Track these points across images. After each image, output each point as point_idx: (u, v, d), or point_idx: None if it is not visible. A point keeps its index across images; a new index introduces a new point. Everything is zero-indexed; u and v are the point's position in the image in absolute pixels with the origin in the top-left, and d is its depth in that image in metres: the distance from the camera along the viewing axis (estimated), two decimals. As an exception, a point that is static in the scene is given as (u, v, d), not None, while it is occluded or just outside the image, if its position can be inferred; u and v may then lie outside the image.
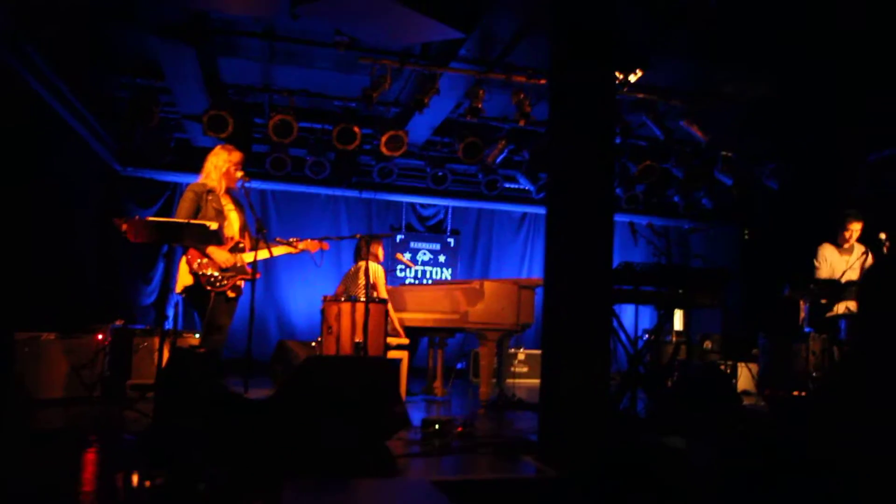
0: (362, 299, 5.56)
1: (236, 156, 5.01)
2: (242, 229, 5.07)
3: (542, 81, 7.00)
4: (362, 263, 6.40)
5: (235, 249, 4.92)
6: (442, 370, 6.97)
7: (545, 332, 3.97)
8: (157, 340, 5.93)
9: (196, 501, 2.11)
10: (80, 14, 6.04)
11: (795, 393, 5.86)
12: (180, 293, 4.87)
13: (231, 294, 4.89)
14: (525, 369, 8.95)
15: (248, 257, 4.99)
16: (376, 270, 6.38)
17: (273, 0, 5.27)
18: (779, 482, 2.85)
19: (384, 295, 6.32)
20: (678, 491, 2.97)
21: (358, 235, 5.95)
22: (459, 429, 4.34)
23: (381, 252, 6.71)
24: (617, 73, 6.22)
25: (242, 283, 4.99)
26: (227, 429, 3.13)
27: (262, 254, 4.95)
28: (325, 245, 5.44)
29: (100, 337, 5.77)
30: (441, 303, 6.47)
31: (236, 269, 4.88)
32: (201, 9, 5.79)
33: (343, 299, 5.65)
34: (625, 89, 6.78)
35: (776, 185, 8.89)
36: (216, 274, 4.77)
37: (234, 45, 6.80)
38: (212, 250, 4.76)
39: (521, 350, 9.06)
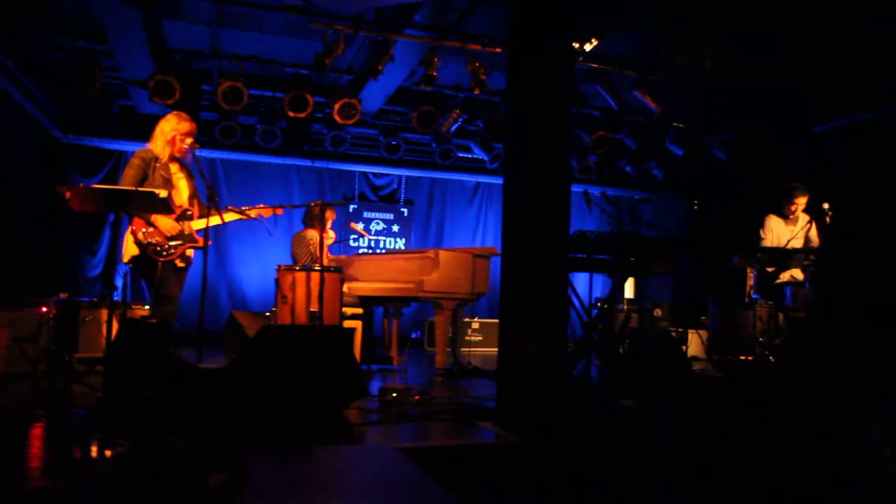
0: (317, 268, 5.49)
1: (185, 126, 4.84)
2: (191, 197, 4.95)
3: (498, 50, 6.96)
4: (307, 232, 6.33)
5: (182, 217, 4.79)
6: (397, 339, 6.96)
7: (503, 299, 3.99)
8: (105, 312, 5.77)
9: (158, 471, 2.07)
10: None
11: (743, 357, 6.04)
12: (127, 263, 4.74)
13: (180, 263, 4.77)
14: (479, 338, 9.02)
15: (198, 224, 4.88)
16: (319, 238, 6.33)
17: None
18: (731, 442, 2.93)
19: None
20: (637, 452, 3.03)
21: (313, 203, 5.85)
22: (416, 397, 4.36)
23: (330, 221, 6.64)
24: (573, 43, 6.21)
25: (192, 253, 4.88)
26: (182, 399, 3.06)
27: (214, 220, 4.84)
28: (279, 210, 5.34)
29: (43, 309, 5.58)
30: (396, 272, 6.44)
31: (184, 237, 4.76)
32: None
33: (298, 269, 5.58)
34: (580, 59, 6.79)
35: (725, 156, 9.07)
36: (162, 242, 4.65)
37: (179, 6, 6.58)
38: (156, 218, 4.63)
39: (476, 319, 9.11)
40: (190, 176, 4.99)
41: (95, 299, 6.39)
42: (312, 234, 6.39)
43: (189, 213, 4.85)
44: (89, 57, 7.03)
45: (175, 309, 4.83)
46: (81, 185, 4.13)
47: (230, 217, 5.04)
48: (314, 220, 6.44)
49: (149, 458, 2.07)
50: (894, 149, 6.96)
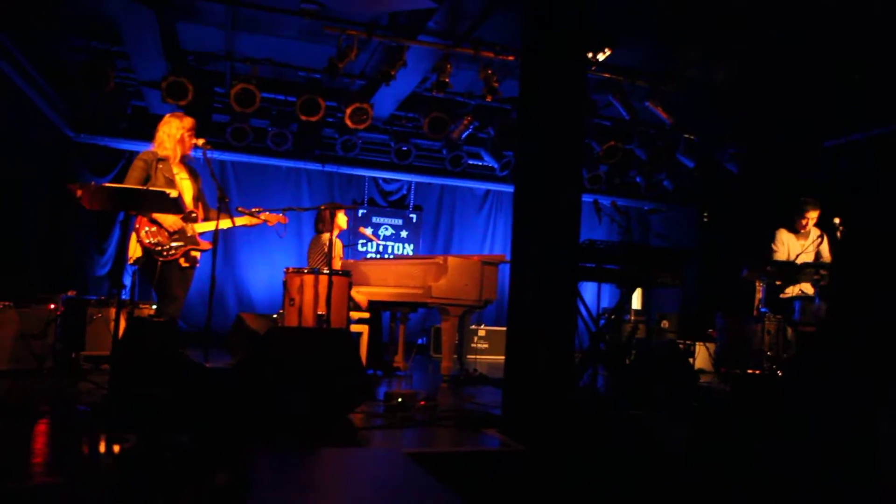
0: (325, 271, 5.49)
1: (188, 122, 4.89)
2: (196, 199, 4.96)
3: (510, 58, 6.96)
4: (325, 236, 6.33)
5: (187, 219, 4.80)
6: (403, 345, 6.95)
7: (511, 307, 3.97)
8: (112, 310, 5.79)
9: (164, 468, 2.07)
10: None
11: (750, 371, 5.99)
12: (132, 264, 4.76)
13: (184, 263, 4.77)
14: (486, 345, 9.00)
15: (202, 227, 4.88)
16: (336, 242, 6.35)
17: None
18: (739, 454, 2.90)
19: (336, 266, 6.28)
20: (644, 462, 3.01)
21: (322, 206, 5.86)
22: (422, 402, 4.34)
23: (344, 219, 6.59)
24: (586, 53, 6.22)
25: (199, 254, 4.88)
26: (189, 399, 3.06)
27: (224, 223, 4.85)
28: (284, 219, 5.36)
29: (51, 307, 5.60)
30: (404, 277, 6.44)
31: (185, 239, 4.76)
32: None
33: (306, 271, 5.58)
34: (593, 68, 6.79)
35: (736, 168, 9.04)
36: (163, 242, 4.65)
37: (194, 9, 6.60)
38: (159, 216, 4.64)
39: (483, 326, 9.10)
40: (194, 177, 5.00)
41: (103, 297, 6.40)
42: (326, 238, 6.41)
43: (193, 215, 4.86)
44: (103, 57, 7.07)
45: (180, 307, 4.83)
46: (93, 183, 4.14)
47: (240, 222, 5.05)
48: (325, 224, 6.47)
49: (155, 455, 2.06)
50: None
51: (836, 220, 5.95)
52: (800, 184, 8.00)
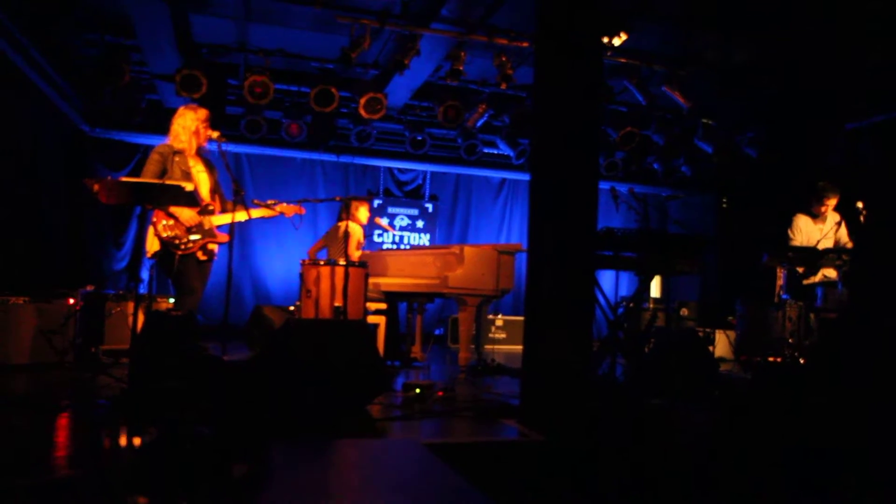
0: (342, 262, 5.48)
1: (203, 113, 4.88)
2: (212, 192, 4.95)
3: (525, 44, 6.90)
4: (342, 223, 6.33)
5: (204, 212, 4.80)
6: (421, 335, 6.94)
7: (528, 296, 3.95)
8: (131, 304, 5.82)
9: (184, 460, 2.07)
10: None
11: (771, 359, 5.93)
12: (151, 258, 4.76)
13: (202, 257, 4.78)
14: (503, 335, 8.96)
15: (220, 220, 4.88)
16: (354, 231, 6.34)
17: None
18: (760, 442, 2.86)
19: (352, 254, 6.28)
20: (662, 452, 2.98)
21: (338, 198, 5.85)
22: (440, 393, 4.34)
23: (364, 213, 6.64)
24: (602, 37, 6.14)
25: (216, 247, 4.88)
26: (207, 391, 3.06)
27: (240, 216, 4.84)
28: (302, 209, 5.35)
29: (71, 302, 5.64)
30: (421, 268, 6.42)
31: (203, 232, 4.76)
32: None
33: (322, 263, 5.57)
34: (608, 53, 6.71)
35: (755, 153, 8.92)
36: (181, 235, 4.66)
37: (207, 0, 6.59)
38: (176, 210, 4.65)
39: (500, 316, 9.07)
40: (210, 170, 4.99)
41: (121, 292, 6.44)
42: (343, 226, 6.42)
43: (210, 207, 4.86)
44: (118, 51, 7.08)
45: (198, 300, 4.83)
46: (109, 177, 4.15)
47: (256, 214, 5.05)
48: (342, 213, 6.51)
49: (175, 447, 2.06)
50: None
51: (859, 205, 5.85)
52: (820, 168, 7.88)
